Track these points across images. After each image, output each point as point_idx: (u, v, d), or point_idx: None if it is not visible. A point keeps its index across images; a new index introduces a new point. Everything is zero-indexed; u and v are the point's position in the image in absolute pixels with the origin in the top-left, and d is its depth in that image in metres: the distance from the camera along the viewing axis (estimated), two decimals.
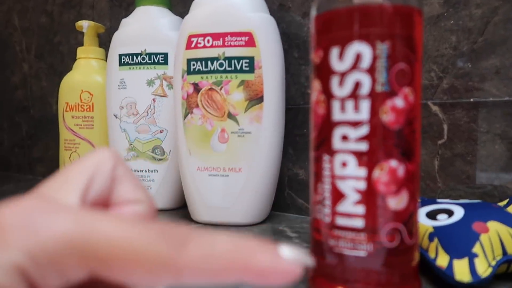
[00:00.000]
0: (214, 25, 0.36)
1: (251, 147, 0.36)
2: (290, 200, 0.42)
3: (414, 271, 0.21)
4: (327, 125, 0.20)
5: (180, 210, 0.44)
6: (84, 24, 0.49)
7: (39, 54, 0.70)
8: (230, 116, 0.36)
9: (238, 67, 0.36)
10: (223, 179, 0.37)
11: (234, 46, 0.36)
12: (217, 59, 0.36)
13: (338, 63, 0.19)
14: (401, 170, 0.19)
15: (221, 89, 0.37)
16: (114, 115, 0.44)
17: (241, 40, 0.36)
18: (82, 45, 0.61)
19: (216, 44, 0.36)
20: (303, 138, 0.41)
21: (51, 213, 0.10)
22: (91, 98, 0.48)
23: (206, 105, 0.37)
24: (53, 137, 0.68)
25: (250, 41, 0.36)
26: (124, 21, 0.45)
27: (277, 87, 0.37)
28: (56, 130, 0.68)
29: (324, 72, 0.20)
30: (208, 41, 0.37)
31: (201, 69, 0.37)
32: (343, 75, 0.19)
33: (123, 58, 0.43)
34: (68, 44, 0.65)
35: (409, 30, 0.19)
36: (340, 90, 0.19)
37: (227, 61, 0.36)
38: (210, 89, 0.37)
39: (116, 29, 0.57)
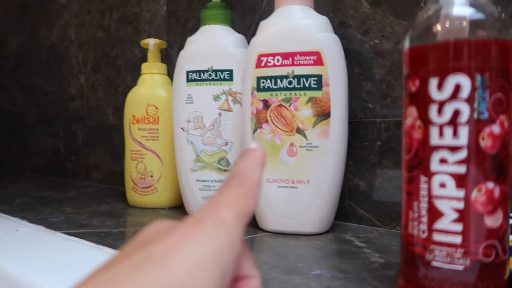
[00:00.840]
0: (283, 45, 0.39)
1: (318, 161, 0.38)
2: (351, 210, 0.44)
3: (505, 285, 0.22)
4: (425, 149, 0.22)
5: None
6: (151, 42, 0.52)
7: (95, 67, 0.74)
8: (299, 131, 0.38)
9: (307, 85, 0.38)
10: (291, 191, 0.39)
11: (303, 65, 0.38)
12: (286, 77, 0.39)
13: (437, 93, 0.21)
14: (497, 191, 0.21)
15: (290, 105, 0.39)
16: (181, 128, 0.47)
17: (310, 59, 0.38)
18: (139, 58, 0.65)
19: (286, 63, 0.39)
20: (364, 151, 0.43)
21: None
22: (157, 112, 0.51)
23: (276, 121, 0.39)
24: (109, 145, 0.72)
25: (318, 60, 0.38)
26: (190, 40, 0.47)
27: (342, 103, 0.39)
28: (112, 139, 0.72)
29: (422, 100, 0.22)
30: (278, 60, 0.39)
31: (271, 87, 0.39)
32: (442, 104, 0.21)
33: (191, 75, 0.46)
34: (125, 58, 0.68)
35: (505, 62, 0.21)
36: (439, 117, 0.21)
37: (296, 79, 0.38)
38: (280, 105, 0.39)
39: (173, 44, 0.60)
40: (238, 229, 0.15)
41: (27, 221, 0.45)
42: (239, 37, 0.47)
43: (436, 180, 0.21)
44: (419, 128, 0.22)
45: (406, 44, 0.23)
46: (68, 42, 0.80)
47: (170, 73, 0.57)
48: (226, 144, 0.46)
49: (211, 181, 0.46)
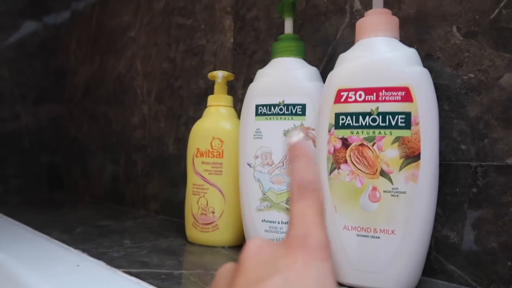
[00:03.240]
0: (367, 79, 0.35)
1: (406, 208, 0.34)
2: (438, 264, 0.38)
3: None
4: None
5: None
6: (219, 74, 0.51)
7: (159, 97, 0.75)
8: (383, 174, 0.34)
9: (393, 123, 0.34)
10: (373, 241, 0.34)
11: (389, 101, 0.34)
12: (369, 114, 0.35)
13: None
14: None
15: (373, 145, 0.35)
16: (248, 164, 0.45)
17: (397, 95, 0.34)
18: (202, 90, 0.64)
19: (369, 99, 0.35)
20: (455, 198, 0.38)
21: None
22: (221, 145, 0.49)
23: (356, 161, 0.35)
24: (167, 176, 0.71)
25: (407, 96, 0.34)
26: (260, 72, 0.45)
27: (434, 144, 0.34)
28: (170, 170, 0.71)
29: None
30: (360, 96, 0.35)
31: (351, 124, 0.36)
32: None
33: (260, 109, 0.44)
34: (188, 89, 0.68)
35: None
36: None
37: (380, 116, 0.35)
38: (361, 144, 0.35)
39: (238, 75, 0.59)
40: (327, 237, 0.17)
41: (88, 254, 0.43)
42: (313, 69, 0.44)
43: None
44: None
45: None
46: (134, 72, 0.82)
47: (235, 105, 0.56)
48: None
49: (278, 222, 0.42)
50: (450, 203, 0.38)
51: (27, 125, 1.08)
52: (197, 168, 0.50)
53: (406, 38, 0.42)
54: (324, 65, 0.49)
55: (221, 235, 0.49)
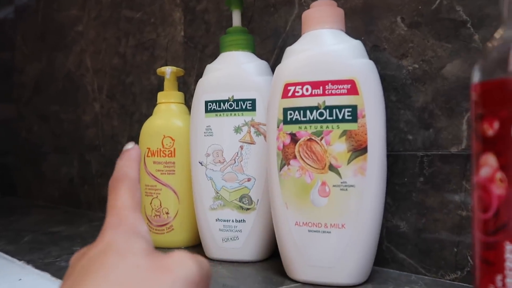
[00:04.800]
0: (313, 73, 0.35)
1: (355, 201, 0.34)
2: (389, 254, 0.39)
3: None
4: (510, 209, 0.17)
5: (269, 262, 0.42)
6: (167, 70, 0.49)
7: (110, 94, 0.72)
8: (332, 168, 0.34)
9: (340, 117, 0.34)
10: (324, 236, 0.34)
11: (336, 94, 0.34)
12: (316, 108, 0.35)
13: None
14: None
15: (321, 139, 0.34)
16: (200, 162, 0.43)
17: (343, 88, 0.34)
18: (155, 86, 0.62)
19: (316, 93, 0.35)
20: (403, 187, 0.38)
21: None
22: (173, 143, 0.48)
23: (305, 157, 0.35)
24: None
25: (353, 89, 0.34)
26: (209, 67, 0.44)
27: (381, 136, 0.34)
28: None
29: (504, 147, 0.17)
30: (307, 90, 0.35)
31: (299, 119, 0.35)
32: None
33: (210, 105, 0.43)
34: (140, 85, 0.66)
35: None
36: None
37: (327, 110, 0.34)
38: (309, 139, 0.35)
39: (191, 70, 0.58)
40: (138, 217, 0.19)
41: (33, 265, 0.41)
42: (261, 63, 0.43)
43: None
44: (500, 182, 0.18)
45: (476, 77, 0.19)
46: (83, 69, 0.78)
47: (188, 101, 0.54)
48: (248, 180, 0.41)
49: (232, 221, 0.42)
50: (399, 193, 0.38)
51: None
52: (148, 168, 0.49)
53: (354, 29, 0.41)
54: (275, 57, 0.48)
55: (177, 236, 0.48)
